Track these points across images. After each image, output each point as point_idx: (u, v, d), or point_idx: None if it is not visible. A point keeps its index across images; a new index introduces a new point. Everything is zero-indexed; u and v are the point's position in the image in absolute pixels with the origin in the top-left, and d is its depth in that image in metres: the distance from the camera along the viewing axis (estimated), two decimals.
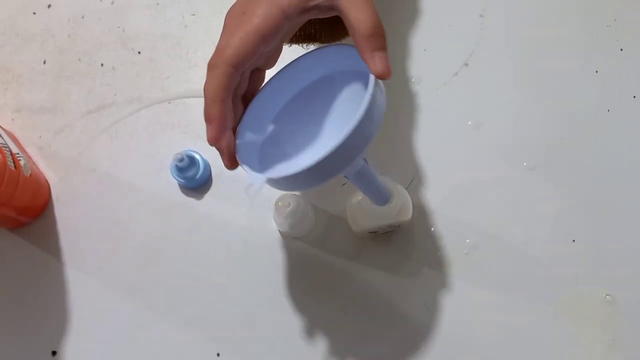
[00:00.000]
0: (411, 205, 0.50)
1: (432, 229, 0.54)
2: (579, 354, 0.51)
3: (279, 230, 0.54)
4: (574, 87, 0.58)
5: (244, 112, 0.42)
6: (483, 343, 0.51)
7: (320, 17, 0.39)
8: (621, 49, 0.59)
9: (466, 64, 0.59)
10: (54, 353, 0.53)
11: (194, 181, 0.55)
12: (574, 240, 0.54)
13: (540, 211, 0.54)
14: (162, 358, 0.52)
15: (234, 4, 0.40)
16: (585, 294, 0.52)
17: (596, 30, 0.60)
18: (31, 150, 0.59)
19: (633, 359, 0.51)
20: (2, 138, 0.53)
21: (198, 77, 0.60)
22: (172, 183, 0.56)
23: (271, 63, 0.43)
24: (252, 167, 0.40)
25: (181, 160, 0.53)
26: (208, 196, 0.56)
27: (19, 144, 0.58)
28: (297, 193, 0.52)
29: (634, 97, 0.58)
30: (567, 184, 0.55)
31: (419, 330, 0.52)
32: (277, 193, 0.55)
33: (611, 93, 0.58)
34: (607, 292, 0.52)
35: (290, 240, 0.54)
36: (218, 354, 0.52)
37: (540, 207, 0.55)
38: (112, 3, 0.63)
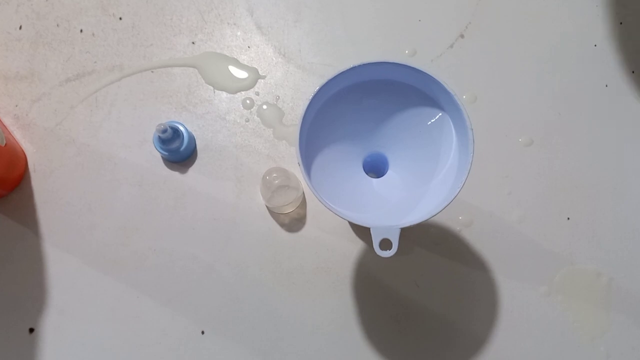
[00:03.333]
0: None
1: None
2: (572, 334, 0.50)
3: (266, 205, 0.52)
4: (572, 61, 0.56)
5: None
6: (474, 322, 0.50)
7: None
8: (621, 23, 0.58)
9: (462, 36, 0.57)
10: (31, 330, 0.51)
11: (178, 154, 0.53)
12: (568, 218, 0.53)
13: (534, 188, 0.53)
14: (145, 336, 0.51)
15: None
16: (579, 273, 0.51)
17: (596, 2, 0.58)
18: (7, 120, 0.56)
19: (627, 338, 0.50)
20: None
21: (182, 45, 0.57)
22: (155, 156, 0.54)
23: None
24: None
25: (164, 131, 0.50)
26: (193, 170, 0.54)
27: None
28: (284, 166, 0.50)
29: (633, 72, 0.56)
30: (563, 160, 0.54)
31: (410, 308, 0.51)
32: (264, 166, 0.53)
33: (610, 68, 0.56)
34: (601, 271, 0.51)
35: (278, 215, 0.53)
36: (203, 332, 0.51)
37: (534, 184, 0.53)
38: None
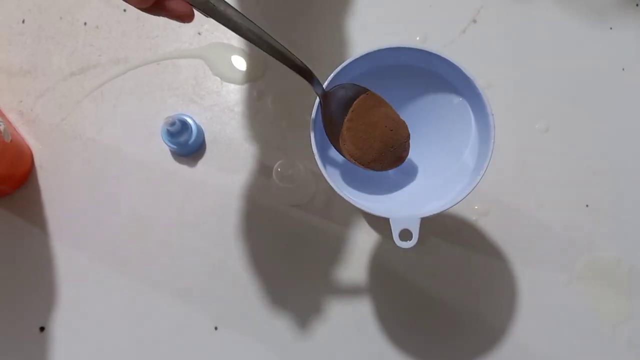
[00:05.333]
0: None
1: None
2: (593, 322, 0.49)
3: (278, 198, 0.51)
4: (588, 44, 0.55)
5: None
6: (493, 312, 0.49)
7: None
8: (637, 4, 0.56)
9: (474, 21, 0.56)
10: (42, 329, 0.50)
11: (187, 147, 0.52)
12: (587, 205, 0.51)
13: (552, 175, 0.52)
14: (156, 333, 0.50)
15: None
16: (599, 261, 0.50)
17: None
18: (11, 116, 0.55)
19: None
20: None
21: (188, 36, 0.56)
22: (163, 149, 0.53)
23: None
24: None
25: (172, 124, 0.49)
26: (202, 163, 0.53)
27: None
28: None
29: None
30: (581, 146, 0.53)
31: (427, 300, 0.50)
32: (274, 159, 0.52)
33: (626, 51, 0.55)
34: (621, 258, 0.50)
35: (290, 208, 0.52)
36: (216, 328, 0.50)
37: (552, 171, 0.52)
38: None
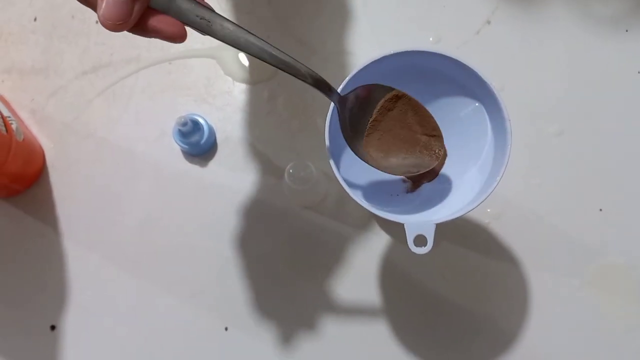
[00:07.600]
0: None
1: None
2: (605, 327, 0.49)
3: (290, 200, 0.51)
4: (603, 47, 0.54)
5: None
6: (505, 316, 0.49)
7: None
8: None
9: (488, 22, 0.55)
10: (52, 327, 0.50)
11: (198, 147, 0.52)
12: (600, 210, 0.51)
13: (565, 179, 0.52)
14: (167, 333, 0.50)
15: None
16: (612, 266, 0.50)
17: None
18: (23, 114, 0.55)
19: None
20: None
21: (200, 36, 0.55)
22: (174, 149, 0.53)
23: None
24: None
25: (185, 124, 0.49)
26: (213, 163, 0.53)
27: (10, 106, 0.54)
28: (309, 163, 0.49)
29: None
30: (595, 150, 0.52)
31: (439, 303, 0.49)
32: (286, 159, 0.52)
33: None
34: (635, 263, 0.50)
35: (301, 209, 0.52)
36: (226, 328, 0.50)
37: (565, 175, 0.52)
38: None
